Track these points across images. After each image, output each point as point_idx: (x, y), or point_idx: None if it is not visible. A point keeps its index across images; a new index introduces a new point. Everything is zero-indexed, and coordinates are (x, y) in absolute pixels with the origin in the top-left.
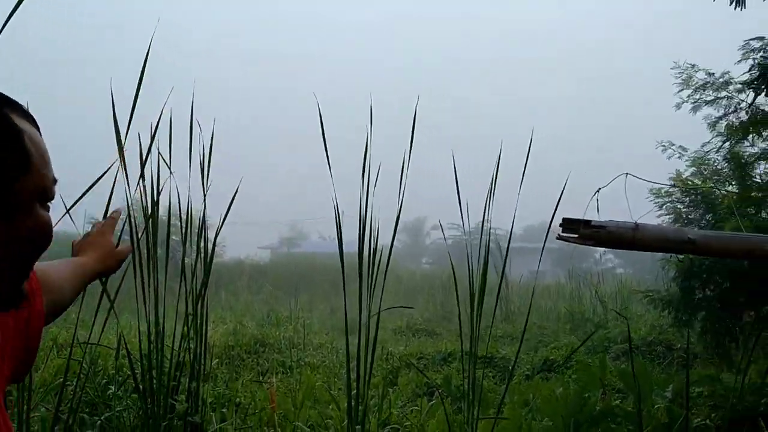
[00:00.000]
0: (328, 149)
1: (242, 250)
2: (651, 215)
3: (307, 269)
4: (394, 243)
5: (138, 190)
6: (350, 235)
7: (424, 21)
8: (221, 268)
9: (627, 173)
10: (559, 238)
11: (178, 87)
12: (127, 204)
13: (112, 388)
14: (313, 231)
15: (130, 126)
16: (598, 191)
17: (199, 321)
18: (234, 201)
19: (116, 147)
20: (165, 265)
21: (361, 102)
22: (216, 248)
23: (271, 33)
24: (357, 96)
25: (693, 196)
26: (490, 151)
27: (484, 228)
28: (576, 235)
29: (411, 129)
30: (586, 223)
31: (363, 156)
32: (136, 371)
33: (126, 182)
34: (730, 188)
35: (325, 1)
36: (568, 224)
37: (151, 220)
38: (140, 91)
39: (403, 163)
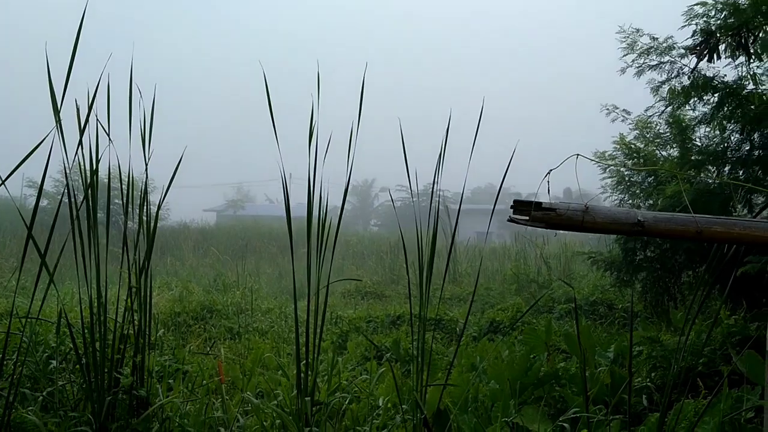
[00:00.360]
0: (273, 112)
1: (187, 214)
2: (593, 178)
3: (253, 232)
4: (345, 205)
5: (76, 158)
6: (298, 199)
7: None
8: (166, 231)
9: (578, 154)
10: (510, 220)
11: (120, 51)
12: (65, 172)
13: (54, 362)
14: (260, 194)
15: (66, 91)
16: (549, 173)
17: (142, 293)
18: (179, 166)
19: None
20: (107, 233)
21: (318, 69)
22: (161, 212)
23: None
24: (312, 61)
25: (636, 159)
26: (440, 112)
27: (434, 189)
28: (527, 218)
29: (360, 96)
30: (537, 205)
31: (310, 120)
32: (78, 344)
33: (63, 149)
34: (671, 152)
35: None
36: (519, 206)
37: (90, 189)
38: (77, 56)
39: (352, 131)
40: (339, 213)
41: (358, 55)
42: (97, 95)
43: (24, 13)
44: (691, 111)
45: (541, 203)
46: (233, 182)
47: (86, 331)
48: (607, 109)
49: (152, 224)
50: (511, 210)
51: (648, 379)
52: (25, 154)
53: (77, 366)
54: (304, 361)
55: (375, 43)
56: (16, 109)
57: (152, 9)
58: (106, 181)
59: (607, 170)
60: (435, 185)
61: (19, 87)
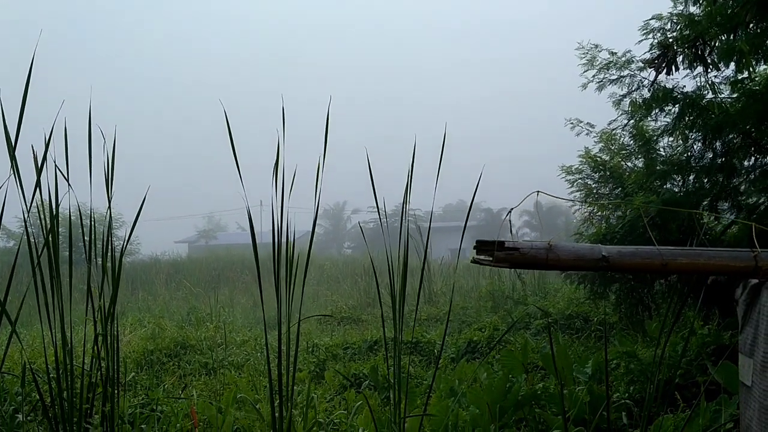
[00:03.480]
0: (233, 139)
1: (158, 246)
2: (561, 188)
3: (226, 262)
4: (317, 229)
5: (35, 203)
6: (268, 225)
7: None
8: (137, 266)
9: (538, 191)
10: (474, 261)
11: (75, 91)
12: (23, 216)
13: (20, 416)
14: (232, 222)
15: (20, 133)
16: (510, 212)
17: (110, 340)
18: (147, 197)
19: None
20: (69, 276)
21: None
22: (131, 246)
23: (181, 27)
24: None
25: (602, 172)
26: (413, 130)
27: (405, 210)
28: (491, 258)
29: (325, 131)
30: (500, 244)
31: (276, 148)
32: (44, 396)
33: (21, 194)
34: (637, 162)
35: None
36: (483, 246)
37: (51, 234)
38: (35, 96)
39: (320, 157)
40: (310, 238)
41: (329, 75)
42: (54, 137)
43: None
44: (653, 122)
45: (503, 242)
46: (204, 212)
47: (52, 380)
48: (572, 123)
49: (117, 268)
50: (474, 251)
51: (626, 394)
52: None
53: (44, 419)
54: (278, 401)
55: (343, 62)
56: None
57: (108, 34)
58: (68, 221)
59: (575, 183)
60: (405, 206)
61: None
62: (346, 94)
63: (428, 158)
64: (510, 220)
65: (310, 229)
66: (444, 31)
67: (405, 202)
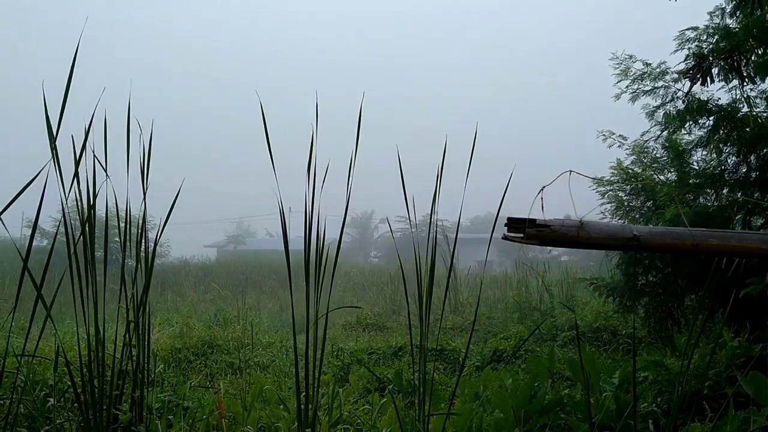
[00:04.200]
0: (270, 144)
1: (187, 250)
2: (594, 208)
3: (254, 267)
4: (344, 238)
5: (73, 192)
6: (298, 232)
7: (371, 19)
8: (167, 268)
9: (570, 170)
10: (505, 238)
11: (116, 82)
12: (62, 207)
13: (52, 399)
14: (260, 228)
15: (61, 123)
16: (542, 189)
17: (141, 328)
18: (177, 201)
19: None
20: (104, 270)
21: (313, 96)
22: (160, 249)
23: (213, 22)
24: (309, 90)
25: (634, 185)
26: (438, 146)
27: (432, 221)
28: (521, 235)
29: (357, 125)
30: (531, 222)
31: (309, 151)
32: (76, 381)
33: (60, 183)
34: (669, 176)
35: None
36: (514, 224)
37: (87, 224)
38: (70, 89)
39: (351, 159)
40: (337, 244)
41: (355, 87)
42: (93, 129)
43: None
44: (687, 135)
45: (535, 220)
46: (234, 217)
47: (84, 368)
48: (604, 135)
49: (150, 258)
50: (506, 228)
51: (654, 404)
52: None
53: (75, 404)
54: (304, 393)
55: (371, 73)
56: (15, 150)
57: (149, 32)
58: (104, 218)
59: (606, 195)
60: (432, 215)
61: (18, 129)
62: (378, 113)
63: (457, 170)
64: (542, 198)
65: (338, 236)
66: (482, 45)
67: (432, 210)
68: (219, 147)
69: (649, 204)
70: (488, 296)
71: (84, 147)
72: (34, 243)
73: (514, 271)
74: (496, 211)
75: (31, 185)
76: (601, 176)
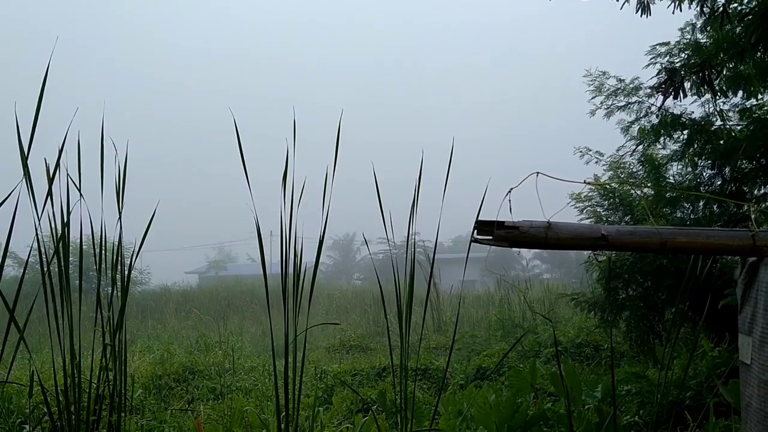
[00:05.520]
0: (246, 167)
1: (168, 277)
2: (569, 218)
3: (236, 292)
4: (327, 260)
5: (46, 213)
6: (278, 256)
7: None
8: (147, 295)
9: (538, 172)
10: (474, 240)
11: (89, 104)
12: (35, 227)
13: (27, 427)
14: (242, 253)
15: (32, 142)
16: (510, 191)
17: (117, 350)
18: (155, 226)
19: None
20: (79, 292)
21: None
22: (140, 275)
23: (187, 30)
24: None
25: (611, 199)
26: (415, 163)
27: (410, 240)
28: (490, 237)
29: (336, 142)
30: (500, 224)
31: (283, 172)
32: (52, 408)
33: (32, 203)
34: (646, 190)
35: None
36: (482, 226)
37: (61, 242)
38: (41, 109)
39: (326, 178)
40: (314, 267)
41: (329, 106)
42: (66, 149)
43: None
44: (662, 149)
45: (503, 222)
46: (214, 243)
47: (60, 394)
48: (581, 151)
49: (126, 280)
50: (474, 231)
51: (637, 416)
52: None
53: (51, 431)
54: (284, 413)
55: (346, 97)
56: None
57: (118, 45)
58: (79, 241)
59: (584, 211)
60: (409, 235)
61: None
62: (354, 137)
63: (436, 191)
64: (510, 200)
65: (320, 259)
66: (455, 67)
67: (410, 230)
68: (196, 173)
69: (627, 218)
70: (471, 315)
71: (57, 165)
72: (10, 273)
73: (497, 289)
74: (472, 229)
75: (3, 207)
76: (579, 191)
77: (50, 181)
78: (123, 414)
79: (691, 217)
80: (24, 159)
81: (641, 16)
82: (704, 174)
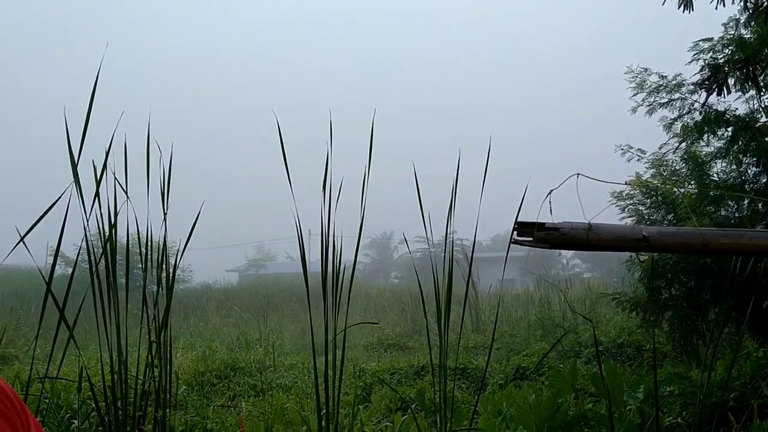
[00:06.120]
0: (288, 168)
1: (210, 275)
2: (611, 216)
3: (275, 290)
4: (364, 259)
5: (93, 214)
6: (317, 254)
7: (373, 26)
8: (189, 293)
9: (578, 173)
10: (515, 242)
11: (135, 107)
12: (84, 226)
13: (76, 422)
14: (281, 252)
15: (83, 147)
16: (550, 193)
17: (163, 348)
18: (197, 225)
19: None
20: (126, 291)
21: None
22: (183, 274)
23: (225, 35)
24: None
25: (654, 198)
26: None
27: (448, 239)
28: (531, 239)
29: (369, 143)
30: (540, 225)
31: (324, 172)
32: (99, 404)
33: (81, 204)
34: (689, 187)
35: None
36: (523, 228)
37: (109, 243)
38: (93, 117)
39: (364, 178)
40: (353, 266)
41: (364, 106)
42: (113, 153)
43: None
44: (706, 146)
45: (544, 224)
46: (254, 242)
47: (107, 389)
48: (622, 149)
49: (171, 278)
50: (514, 232)
51: (680, 417)
52: (44, 218)
53: (99, 426)
54: (324, 411)
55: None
56: (37, 177)
57: (166, 52)
58: (125, 242)
59: (626, 210)
60: (448, 234)
61: (38, 155)
62: (391, 136)
63: (476, 189)
64: (550, 201)
65: (359, 258)
66: (495, 62)
67: (448, 228)
68: (237, 173)
69: (669, 217)
70: (510, 314)
71: (105, 168)
72: (59, 271)
73: (536, 288)
74: (512, 228)
75: (54, 210)
76: (620, 190)
77: (98, 183)
78: (168, 410)
79: (736, 215)
80: (73, 163)
81: (683, 11)
82: (749, 171)
